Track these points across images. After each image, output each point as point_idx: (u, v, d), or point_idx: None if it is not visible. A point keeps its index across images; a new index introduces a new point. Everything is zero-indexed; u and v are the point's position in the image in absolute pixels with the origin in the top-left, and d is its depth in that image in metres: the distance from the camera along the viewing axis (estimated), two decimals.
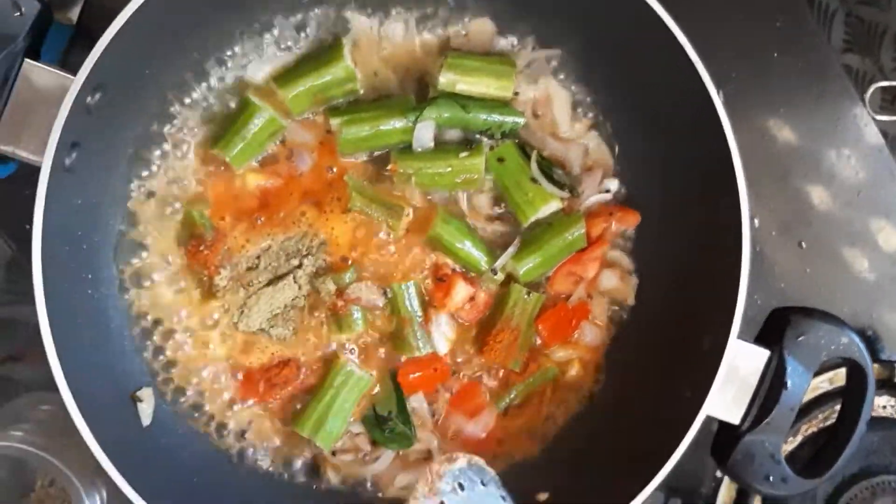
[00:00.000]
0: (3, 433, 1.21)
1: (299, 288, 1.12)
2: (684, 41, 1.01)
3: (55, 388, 0.94)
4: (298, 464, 1.16)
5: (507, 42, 1.16)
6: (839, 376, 1.34)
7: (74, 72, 0.93)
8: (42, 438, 1.17)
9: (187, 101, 1.12)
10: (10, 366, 1.43)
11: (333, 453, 1.15)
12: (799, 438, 1.33)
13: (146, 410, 1.08)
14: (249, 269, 1.12)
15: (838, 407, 1.31)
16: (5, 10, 0.91)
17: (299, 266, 1.12)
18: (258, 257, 1.12)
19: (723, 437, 1.07)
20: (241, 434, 1.15)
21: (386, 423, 1.15)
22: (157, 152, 1.12)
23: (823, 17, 1.55)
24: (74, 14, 1.34)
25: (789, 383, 1.04)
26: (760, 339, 1.06)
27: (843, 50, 1.56)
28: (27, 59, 0.93)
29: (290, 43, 1.13)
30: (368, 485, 1.17)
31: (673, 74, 1.04)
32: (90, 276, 1.06)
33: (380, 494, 1.17)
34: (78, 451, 1.08)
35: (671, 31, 1.00)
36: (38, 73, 0.94)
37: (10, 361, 1.43)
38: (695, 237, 1.11)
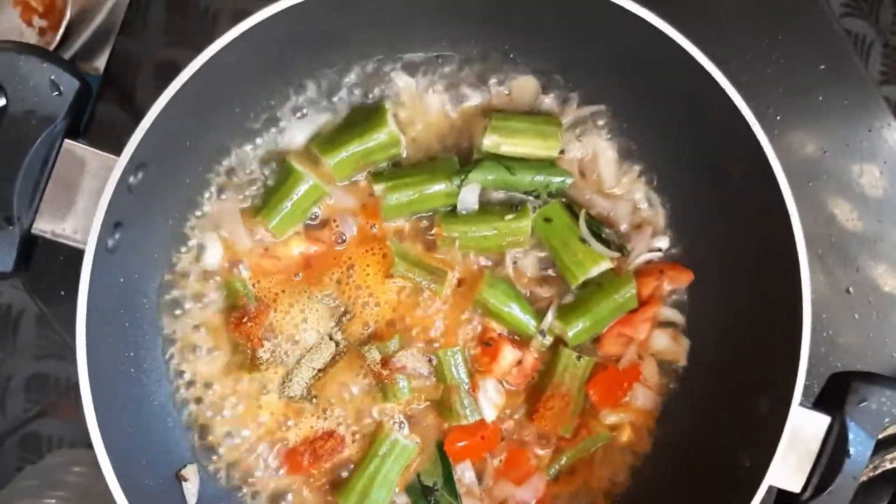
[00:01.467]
0: (38, 500, 1.20)
1: (336, 345, 1.10)
2: (738, 99, 0.97)
3: (87, 445, 0.92)
4: None
5: (550, 101, 1.14)
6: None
7: (115, 148, 0.91)
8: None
9: (227, 171, 1.10)
10: (40, 422, 1.41)
11: None
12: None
13: (191, 490, 1.05)
14: (293, 342, 1.10)
15: (890, 455, 1.30)
16: (44, 90, 0.88)
17: (337, 325, 1.10)
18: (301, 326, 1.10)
19: None
20: None
21: (431, 494, 1.12)
22: (199, 226, 1.10)
23: (861, 49, 1.53)
24: (101, 63, 1.33)
25: (852, 451, 1.00)
26: (820, 405, 1.02)
27: (881, 82, 1.54)
28: (67, 140, 0.91)
29: (333, 106, 1.12)
30: None
31: (721, 126, 1.00)
32: (132, 354, 1.03)
33: None
34: None
35: (718, 83, 0.97)
36: (79, 153, 0.91)
37: (39, 417, 1.41)
38: (750, 295, 1.08)
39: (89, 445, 1.04)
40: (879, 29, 1.51)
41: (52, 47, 1.29)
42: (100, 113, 1.32)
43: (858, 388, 1.02)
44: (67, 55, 1.29)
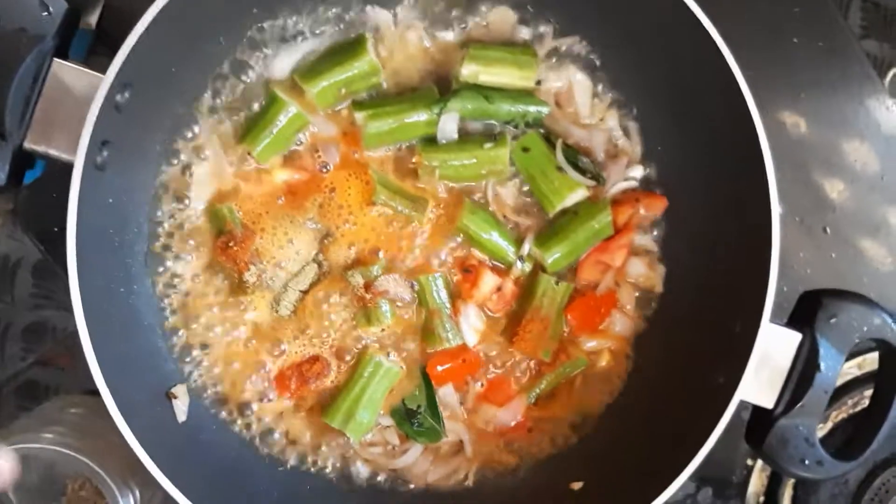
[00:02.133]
0: (35, 435, 1.21)
1: (319, 266, 1.13)
2: (708, 24, 1.00)
3: (85, 391, 0.95)
4: (329, 458, 1.17)
5: (526, 33, 1.16)
6: (868, 361, 1.34)
7: (101, 72, 0.93)
8: (75, 440, 1.16)
9: (213, 95, 1.12)
10: (38, 370, 1.43)
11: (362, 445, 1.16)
12: (829, 425, 1.33)
13: (181, 407, 1.08)
14: (278, 266, 1.13)
15: (868, 392, 1.32)
16: (34, 9, 0.91)
17: (320, 248, 1.13)
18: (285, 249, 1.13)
19: (756, 422, 1.06)
20: (272, 430, 1.15)
21: (415, 417, 1.15)
22: (185, 149, 1.12)
23: (840, 3, 1.55)
24: (93, 18, 1.35)
25: (822, 366, 1.03)
26: (791, 323, 1.05)
27: (861, 36, 1.55)
28: (56, 59, 0.94)
29: (314, 35, 1.14)
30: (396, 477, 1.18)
31: (697, 58, 1.03)
32: (121, 275, 1.06)
33: (411, 486, 1.17)
34: (111, 452, 1.08)
35: (694, 13, 1.00)
36: (67, 72, 0.94)
37: (37, 366, 1.43)
38: (723, 222, 1.11)
39: (86, 392, 1.06)
40: None
41: None
42: (95, 66, 1.35)
43: (829, 304, 1.04)
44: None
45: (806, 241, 1.32)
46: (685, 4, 1.00)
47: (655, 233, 1.19)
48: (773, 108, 1.32)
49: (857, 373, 1.34)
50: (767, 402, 1.04)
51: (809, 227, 1.33)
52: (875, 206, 1.34)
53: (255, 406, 1.15)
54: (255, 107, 1.13)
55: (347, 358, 1.15)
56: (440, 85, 1.15)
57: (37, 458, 1.14)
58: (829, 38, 1.34)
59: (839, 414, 1.34)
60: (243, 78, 1.13)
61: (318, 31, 1.14)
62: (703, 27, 1.00)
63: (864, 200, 1.34)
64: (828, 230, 1.34)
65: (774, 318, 1.02)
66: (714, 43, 1.01)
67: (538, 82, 1.15)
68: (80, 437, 1.19)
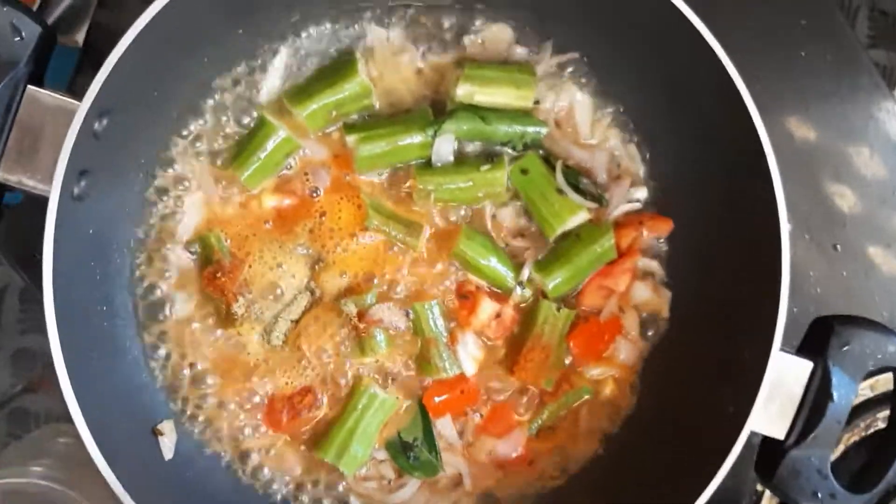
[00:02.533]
0: (23, 468, 1.19)
1: (311, 294, 1.09)
2: (712, 40, 0.97)
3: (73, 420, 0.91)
4: (323, 494, 1.12)
5: (524, 51, 1.13)
6: (881, 382, 1.30)
7: (81, 97, 0.89)
8: (62, 473, 1.14)
9: (198, 119, 1.09)
10: (27, 397, 1.41)
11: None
12: (841, 448, 1.29)
13: (168, 444, 1.04)
14: (268, 296, 1.09)
15: (882, 414, 1.28)
16: (5, 35, 0.87)
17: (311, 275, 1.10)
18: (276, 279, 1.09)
19: (767, 453, 1.02)
20: (263, 466, 1.11)
21: (411, 450, 1.11)
22: (169, 176, 1.08)
23: (847, 12, 1.52)
24: (81, 36, 1.32)
25: (835, 395, 0.99)
26: (803, 350, 1.01)
27: (868, 46, 1.52)
28: (30, 86, 0.90)
29: (302, 58, 1.10)
30: None
31: (700, 75, 1.00)
32: (104, 308, 1.02)
33: None
34: (100, 484, 1.05)
35: (697, 29, 0.96)
36: (42, 99, 0.90)
37: (26, 393, 1.41)
38: (730, 244, 1.07)
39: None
40: None
41: None
42: (79, 86, 1.32)
43: (841, 331, 1.00)
44: None
45: (816, 259, 1.29)
46: (687, 20, 0.96)
47: (661, 256, 1.15)
48: (781, 121, 1.29)
49: (869, 394, 1.31)
50: (778, 432, 0.99)
51: (819, 245, 1.29)
52: (886, 218, 1.30)
53: (245, 441, 1.10)
54: (243, 131, 1.09)
55: (341, 388, 1.11)
56: (435, 106, 1.11)
57: (24, 494, 1.12)
58: (836, 49, 1.31)
59: (851, 437, 1.30)
60: (230, 101, 1.09)
61: (305, 52, 1.10)
62: (706, 42, 0.96)
63: (875, 213, 1.31)
64: (838, 247, 1.30)
65: (786, 343, 0.98)
66: (718, 58, 0.97)
67: (536, 102, 1.11)
68: (68, 469, 1.17)
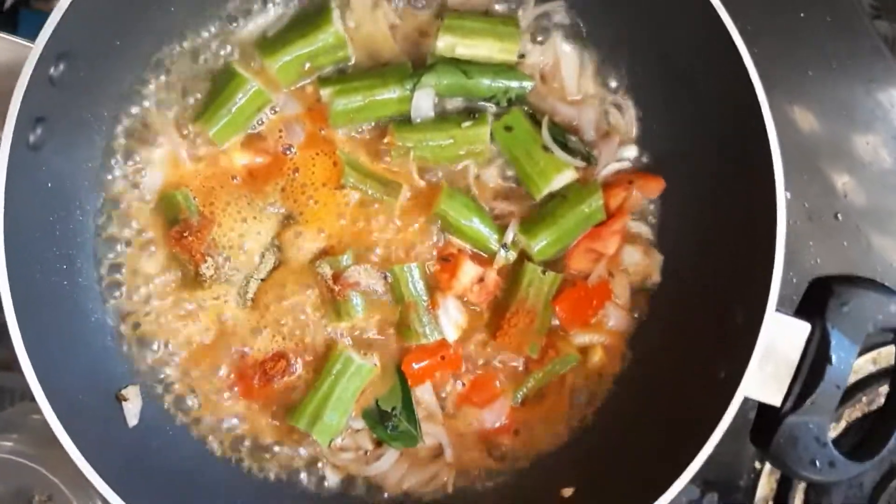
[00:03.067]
0: None
1: (278, 249, 1.05)
2: None
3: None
4: (296, 465, 1.08)
5: (504, 6, 1.08)
6: (883, 356, 1.26)
7: None
8: (33, 448, 1.11)
9: (165, 72, 1.04)
10: (2, 374, 1.38)
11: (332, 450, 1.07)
12: (843, 424, 1.25)
13: (132, 410, 1.00)
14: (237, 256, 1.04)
15: (884, 389, 1.24)
16: None
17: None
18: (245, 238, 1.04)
19: (763, 421, 0.98)
20: (233, 434, 1.07)
21: (389, 420, 1.06)
22: (133, 128, 1.04)
23: None
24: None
25: (834, 358, 0.95)
26: (801, 313, 0.97)
27: (873, 17, 1.47)
28: None
29: (276, 8, 1.06)
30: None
31: (698, 30, 0.96)
32: (64, 267, 0.98)
33: (386, 494, 1.08)
34: (68, 460, 1.02)
35: None
36: None
37: (1, 370, 1.38)
38: (724, 203, 1.02)
39: None
40: None
41: None
42: None
43: (841, 291, 0.97)
44: None
45: (815, 228, 1.24)
46: None
47: (651, 218, 1.11)
48: (779, 86, 1.24)
49: (872, 368, 1.27)
50: (774, 398, 0.95)
51: (819, 214, 1.25)
52: (890, 190, 1.25)
53: (215, 409, 1.06)
54: (211, 84, 1.04)
55: (317, 354, 1.06)
56: (415, 61, 1.06)
57: None
58: (837, 13, 1.25)
59: (853, 412, 1.26)
60: (199, 51, 1.05)
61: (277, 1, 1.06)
62: None
63: (876, 184, 1.25)
64: (839, 216, 1.25)
65: (781, 310, 0.93)
66: (717, 14, 0.92)
67: (521, 56, 1.07)
68: (39, 445, 1.15)
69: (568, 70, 1.08)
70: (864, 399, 1.25)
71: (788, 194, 1.23)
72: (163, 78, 1.04)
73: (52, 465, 1.06)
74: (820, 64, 1.25)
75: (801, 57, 1.25)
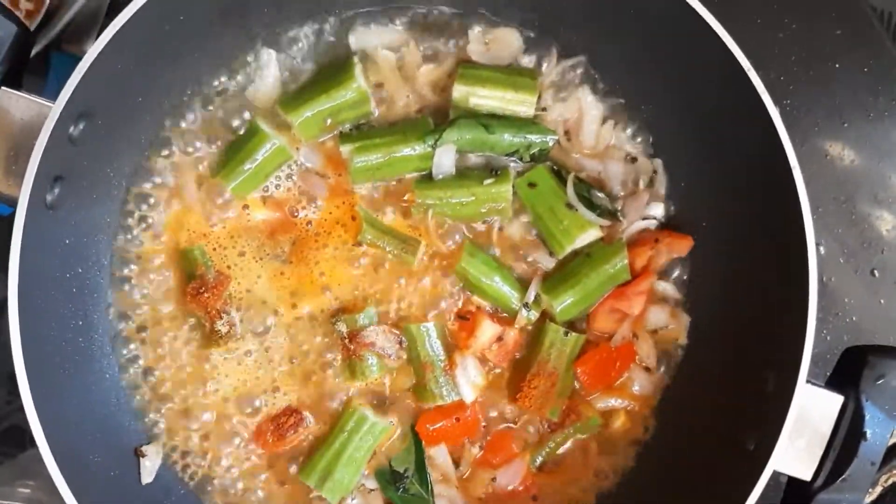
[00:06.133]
0: (10, 489, 1.16)
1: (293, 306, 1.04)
2: (734, 47, 0.89)
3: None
4: None
5: (531, 59, 1.06)
6: None
7: None
8: (48, 496, 1.09)
9: (184, 128, 1.04)
10: (23, 415, 1.38)
11: None
12: (878, 489, 1.19)
13: (149, 468, 0.99)
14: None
15: None
16: None
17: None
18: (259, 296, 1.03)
19: (793, 496, 0.94)
20: (246, 492, 1.05)
21: (401, 481, 1.03)
22: (153, 183, 1.03)
23: (887, 24, 1.44)
24: (90, 44, 1.29)
25: (868, 433, 0.91)
26: (833, 383, 0.93)
27: None
28: (3, 87, 0.86)
29: (300, 63, 1.05)
30: None
31: (720, 81, 0.93)
32: (80, 323, 0.97)
33: None
34: None
35: (720, 36, 0.89)
36: (15, 101, 0.86)
37: (21, 411, 1.38)
38: (753, 264, 0.99)
39: None
40: None
41: (34, 26, 1.26)
42: None
43: (876, 363, 0.93)
44: (50, 36, 1.26)
45: (853, 284, 1.19)
46: (710, 28, 0.89)
47: (678, 277, 1.07)
48: (814, 138, 1.21)
49: None
50: (805, 473, 0.92)
51: (856, 270, 1.20)
52: None
53: (229, 466, 1.04)
54: (231, 138, 1.04)
55: (330, 409, 1.04)
56: (436, 115, 1.05)
57: None
58: (873, 61, 1.22)
59: (889, 478, 1.20)
60: (218, 107, 1.04)
61: (302, 57, 1.05)
62: (728, 49, 0.89)
63: None
64: (876, 273, 1.21)
65: (815, 375, 0.91)
66: (742, 69, 0.90)
67: (543, 109, 1.05)
68: (54, 493, 1.13)
69: (590, 125, 1.05)
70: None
71: (825, 248, 1.20)
72: (183, 131, 1.03)
73: None
74: (855, 112, 1.21)
75: (836, 105, 1.21)
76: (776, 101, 1.21)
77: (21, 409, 1.37)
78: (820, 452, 0.91)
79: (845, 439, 0.91)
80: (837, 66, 1.22)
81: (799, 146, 1.19)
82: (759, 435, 0.90)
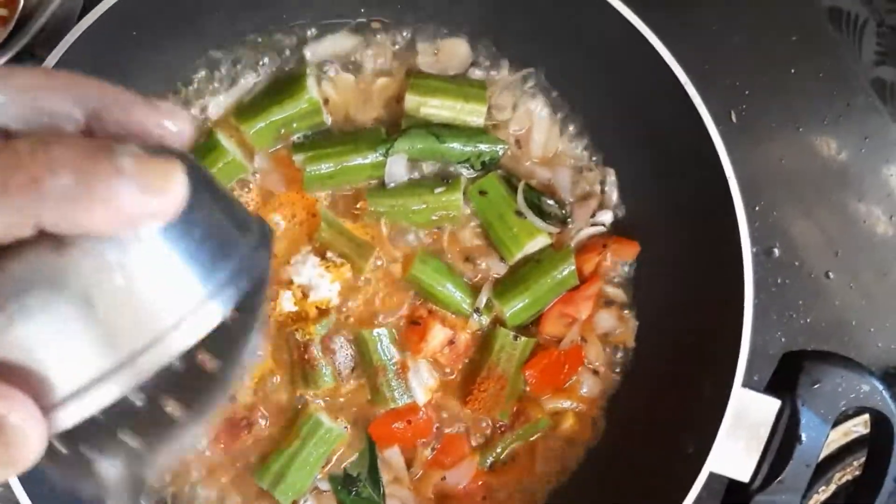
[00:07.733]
0: None
1: None
2: (670, 59, 0.92)
3: None
4: None
5: (482, 73, 1.08)
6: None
7: None
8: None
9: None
10: None
11: None
12: (832, 487, 1.21)
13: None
14: None
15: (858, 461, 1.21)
16: None
17: None
18: None
19: (732, 498, 0.96)
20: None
21: (354, 485, 1.05)
22: None
23: (853, 29, 1.46)
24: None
25: (804, 437, 0.93)
26: (771, 388, 0.95)
27: (876, 63, 1.46)
28: None
29: (255, 75, 1.07)
30: None
31: (663, 94, 0.95)
32: None
33: None
34: None
35: (654, 47, 0.91)
36: None
37: None
38: (696, 271, 1.01)
39: None
40: (873, 8, 1.44)
41: (6, 33, 1.28)
42: None
43: (811, 368, 0.94)
44: (23, 42, 1.27)
45: (806, 287, 1.21)
46: (647, 41, 0.92)
47: (626, 282, 1.10)
48: (767, 143, 1.22)
49: (863, 431, 1.23)
50: (743, 475, 0.93)
51: (811, 273, 1.22)
52: (879, 244, 1.23)
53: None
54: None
55: (285, 411, 1.06)
56: (389, 125, 1.07)
57: None
58: (829, 68, 1.24)
59: (843, 475, 1.22)
60: None
61: (256, 69, 1.07)
62: (665, 62, 0.92)
63: (875, 240, 1.22)
64: (831, 275, 1.23)
65: (757, 380, 0.93)
66: (676, 78, 0.93)
67: (495, 125, 1.07)
68: None
69: (541, 133, 1.07)
70: (854, 463, 1.22)
71: (779, 251, 1.22)
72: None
73: None
74: (811, 118, 1.23)
75: (791, 111, 1.23)
76: (732, 107, 1.24)
77: None
78: (757, 455, 0.93)
79: (781, 443, 0.92)
80: (793, 71, 1.24)
81: (753, 149, 1.22)
82: (697, 438, 0.92)
